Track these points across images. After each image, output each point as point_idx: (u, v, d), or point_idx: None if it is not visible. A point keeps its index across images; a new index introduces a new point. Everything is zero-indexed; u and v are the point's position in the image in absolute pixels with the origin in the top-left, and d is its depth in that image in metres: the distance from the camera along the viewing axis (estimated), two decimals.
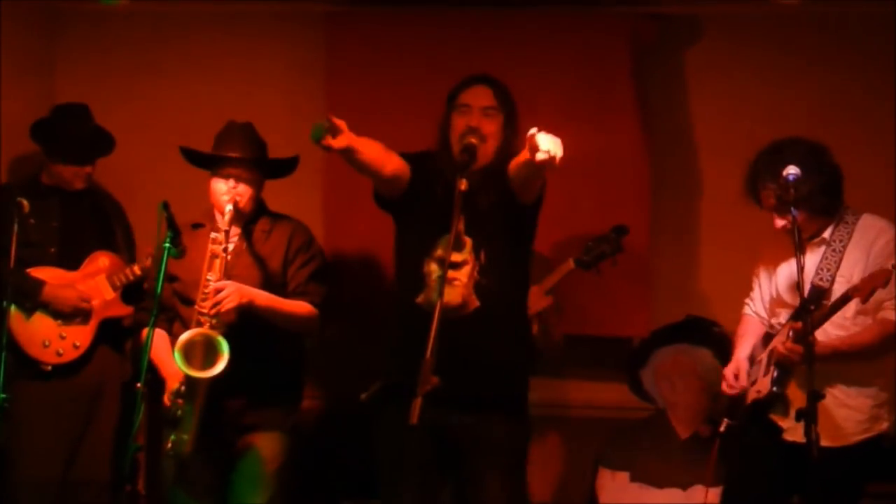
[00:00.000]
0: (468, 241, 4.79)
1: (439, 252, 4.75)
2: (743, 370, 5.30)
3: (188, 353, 5.10)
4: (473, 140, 4.79)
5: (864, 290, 4.81)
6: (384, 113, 6.44)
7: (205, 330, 5.14)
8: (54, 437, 5.81)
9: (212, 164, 5.39)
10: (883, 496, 5.69)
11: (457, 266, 4.75)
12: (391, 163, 4.97)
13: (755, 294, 5.48)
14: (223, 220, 5.25)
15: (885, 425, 5.16)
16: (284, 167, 5.56)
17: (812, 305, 4.99)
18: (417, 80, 6.48)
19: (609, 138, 6.32)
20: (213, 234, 5.25)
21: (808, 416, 4.64)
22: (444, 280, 4.49)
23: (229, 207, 5.25)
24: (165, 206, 5.12)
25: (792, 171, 4.96)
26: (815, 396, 4.67)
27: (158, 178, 6.29)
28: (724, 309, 5.98)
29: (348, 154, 4.77)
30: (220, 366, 5.08)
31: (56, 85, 6.70)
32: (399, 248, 5.17)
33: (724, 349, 5.77)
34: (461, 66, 5.95)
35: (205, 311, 5.16)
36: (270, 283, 5.37)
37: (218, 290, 5.15)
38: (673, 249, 6.47)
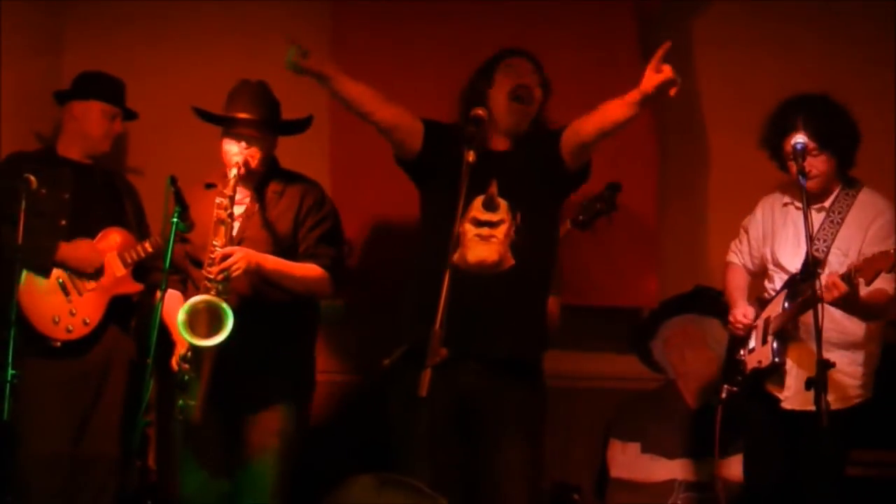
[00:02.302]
0: (502, 202, 4.86)
1: (472, 212, 4.83)
2: (750, 311, 5.32)
3: (192, 319, 5.09)
4: (481, 112, 4.78)
5: (867, 273, 4.79)
6: (389, 92, 6.45)
7: (209, 297, 5.11)
8: (63, 413, 5.80)
9: (223, 124, 5.38)
10: (871, 464, 5.73)
11: (493, 224, 4.84)
12: (387, 112, 5.10)
13: (743, 247, 5.52)
14: (228, 185, 5.22)
15: (869, 393, 5.23)
16: (297, 126, 5.56)
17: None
18: (422, 59, 6.51)
19: None
20: (217, 199, 5.23)
21: (818, 384, 4.67)
22: (456, 245, 4.57)
23: (233, 172, 5.23)
24: (173, 180, 5.11)
25: (800, 139, 4.98)
26: (824, 365, 4.69)
27: (167, 152, 6.30)
28: None
29: (327, 84, 5.02)
30: (224, 334, 5.06)
31: (64, 60, 6.67)
32: (428, 213, 5.19)
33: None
34: (467, 44, 5.97)
35: (211, 276, 5.13)
36: (282, 244, 5.35)
37: (225, 256, 5.13)
38: (681, 219, 6.47)
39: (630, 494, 6.03)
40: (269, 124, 5.41)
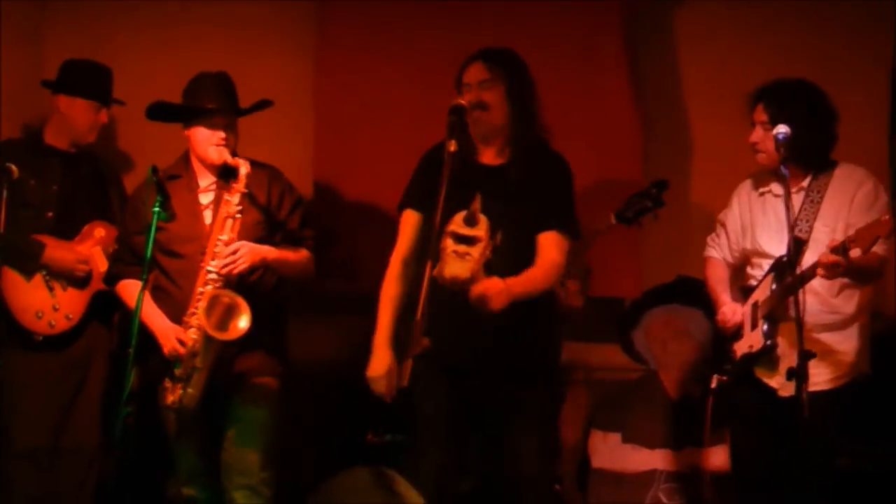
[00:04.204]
0: (483, 219, 4.83)
1: (452, 227, 4.81)
2: (738, 309, 5.30)
3: (210, 310, 5.12)
4: (462, 101, 4.79)
5: (864, 241, 4.71)
6: (373, 92, 6.49)
7: (232, 293, 5.14)
8: (45, 406, 5.81)
9: (197, 116, 5.34)
10: (865, 456, 5.74)
11: (471, 241, 4.81)
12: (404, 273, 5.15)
13: (722, 241, 5.50)
14: (239, 183, 5.21)
15: (866, 367, 5.20)
16: (256, 109, 5.52)
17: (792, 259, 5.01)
18: (408, 58, 6.54)
19: (600, 100, 6.35)
20: (226, 197, 5.23)
21: (799, 376, 4.66)
22: (437, 256, 4.62)
23: (244, 171, 5.22)
24: (154, 170, 5.13)
25: (782, 129, 4.97)
26: (805, 356, 4.68)
27: (148, 144, 6.28)
28: None
29: None
30: (241, 326, 5.10)
31: (46, 48, 6.66)
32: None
33: (714, 309, 5.80)
34: (452, 41, 5.95)
35: (215, 269, 5.16)
36: (257, 229, 5.34)
37: (233, 252, 5.16)
38: (664, 210, 6.45)
39: (611, 485, 6.03)
40: (239, 112, 5.41)
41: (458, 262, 4.76)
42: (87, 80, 5.97)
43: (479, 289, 4.67)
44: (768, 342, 5.11)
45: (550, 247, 4.98)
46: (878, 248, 4.92)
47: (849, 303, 5.15)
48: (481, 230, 4.81)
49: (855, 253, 4.73)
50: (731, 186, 5.62)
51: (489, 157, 5.02)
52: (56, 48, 6.51)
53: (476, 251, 4.79)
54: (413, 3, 6.58)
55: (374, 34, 6.58)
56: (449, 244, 4.79)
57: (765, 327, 5.12)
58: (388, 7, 6.59)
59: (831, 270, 4.80)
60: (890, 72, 6.40)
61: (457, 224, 4.80)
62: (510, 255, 4.90)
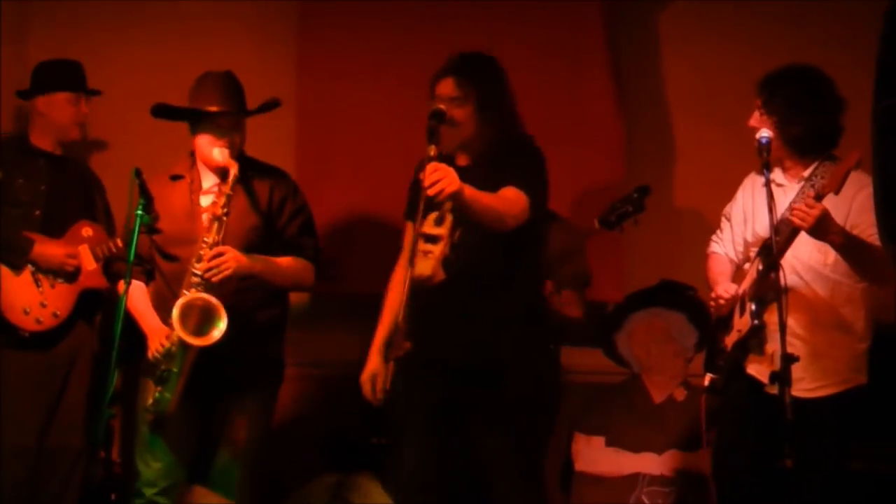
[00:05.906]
0: (448, 217, 4.87)
1: (424, 227, 4.84)
2: (731, 287, 5.20)
3: (185, 315, 5.05)
4: (442, 106, 4.79)
5: (834, 181, 4.71)
6: (355, 93, 6.50)
7: (207, 296, 5.07)
8: (30, 405, 5.80)
9: (201, 118, 5.29)
10: (871, 458, 5.73)
11: (435, 240, 4.87)
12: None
13: (725, 235, 5.40)
14: (226, 184, 5.15)
15: (863, 378, 5.10)
16: (264, 109, 5.49)
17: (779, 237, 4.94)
18: (389, 58, 6.54)
19: (583, 103, 6.35)
20: (214, 198, 5.19)
21: (782, 379, 4.63)
22: (415, 251, 4.67)
23: (233, 172, 5.16)
24: (138, 172, 5.09)
25: (765, 134, 4.96)
26: (788, 360, 4.66)
27: (132, 142, 6.29)
28: (698, 272, 5.95)
29: None
30: (216, 335, 5.02)
31: (28, 51, 6.64)
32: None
33: (698, 313, 5.79)
34: (434, 42, 5.94)
35: (199, 272, 5.09)
36: (251, 234, 5.29)
37: (217, 255, 5.09)
38: (646, 213, 6.46)
39: (594, 488, 6.03)
40: (246, 113, 5.36)
41: (422, 261, 4.84)
42: (60, 75, 6.00)
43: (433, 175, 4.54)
44: (755, 321, 4.98)
45: (507, 190, 4.84)
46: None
47: (846, 306, 5.06)
48: (444, 229, 4.88)
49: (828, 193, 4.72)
50: (714, 188, 5.62)
51: (463, 158, 5.02)
52: (39, 49, 6.50)
53: (437, 249, 4.87)
54: (395, 4, 6.57)
55: (356, 34, 6.58)
56: (420, 244, 4.84)
57: (752, 307, 5.01)
58: (370, 8, 6.58)
59: (808, 214, 4.74)
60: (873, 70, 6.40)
61: (428, 225, 4.86)
62: (466, 251, 4.91)
